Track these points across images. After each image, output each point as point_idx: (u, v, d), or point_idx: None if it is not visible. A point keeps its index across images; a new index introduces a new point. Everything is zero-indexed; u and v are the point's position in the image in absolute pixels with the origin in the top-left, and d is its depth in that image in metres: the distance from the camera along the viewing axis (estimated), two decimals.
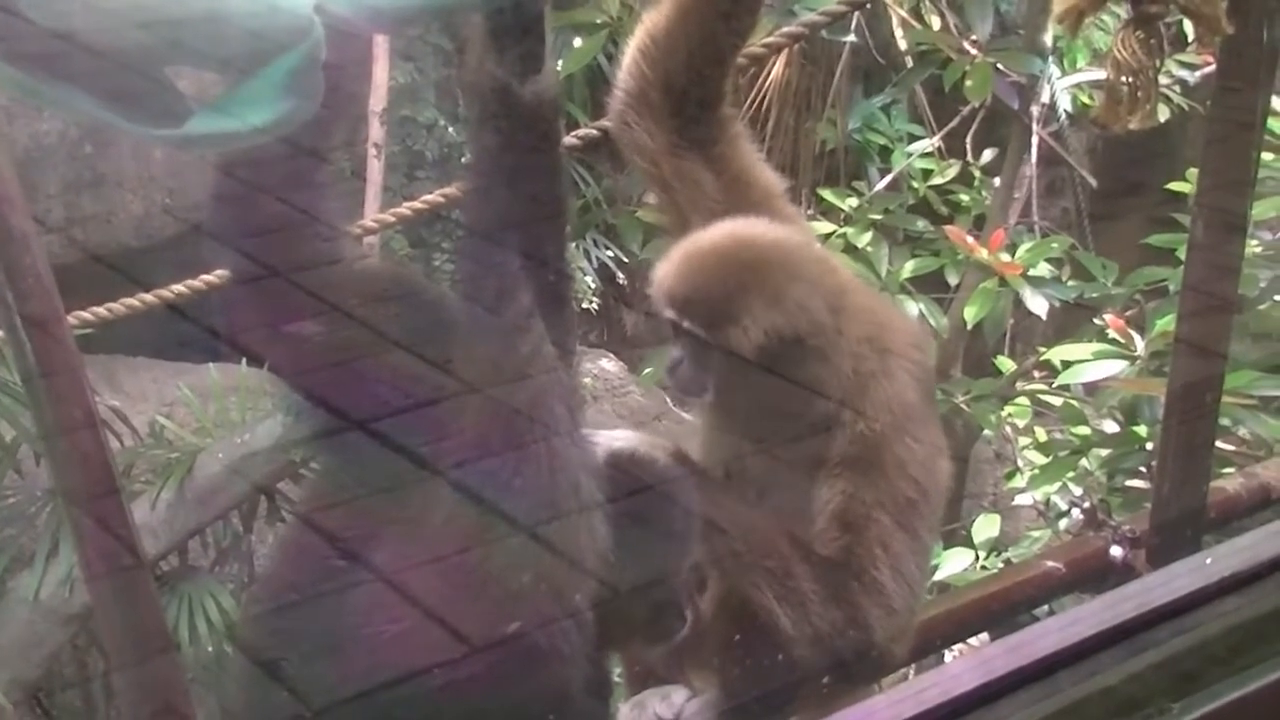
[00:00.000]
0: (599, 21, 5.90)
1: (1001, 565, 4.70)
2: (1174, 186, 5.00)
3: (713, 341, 2.10)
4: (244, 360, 5.20)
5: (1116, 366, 4.42)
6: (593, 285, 7.26)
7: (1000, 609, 2.87)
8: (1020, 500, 5.33)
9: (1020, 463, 5.27)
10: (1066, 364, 4.64)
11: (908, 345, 2.23)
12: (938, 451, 2.23)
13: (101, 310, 3.24)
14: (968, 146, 6.34)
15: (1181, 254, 3.27)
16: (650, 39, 2.26)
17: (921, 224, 5.89)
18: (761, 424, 2.24)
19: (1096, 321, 4.91)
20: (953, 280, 5.58)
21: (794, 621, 2.09)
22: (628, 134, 2.29)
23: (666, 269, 2.17)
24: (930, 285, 5.65)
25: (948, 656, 3.17)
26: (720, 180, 2.26)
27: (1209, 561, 1.24)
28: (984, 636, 3.06)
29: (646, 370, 5.57)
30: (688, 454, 2.20)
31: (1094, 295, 5.19)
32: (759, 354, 2.07)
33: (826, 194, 5.92)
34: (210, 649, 5.49)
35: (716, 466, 2.27)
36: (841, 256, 5.35)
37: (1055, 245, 5.45)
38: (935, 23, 6.03)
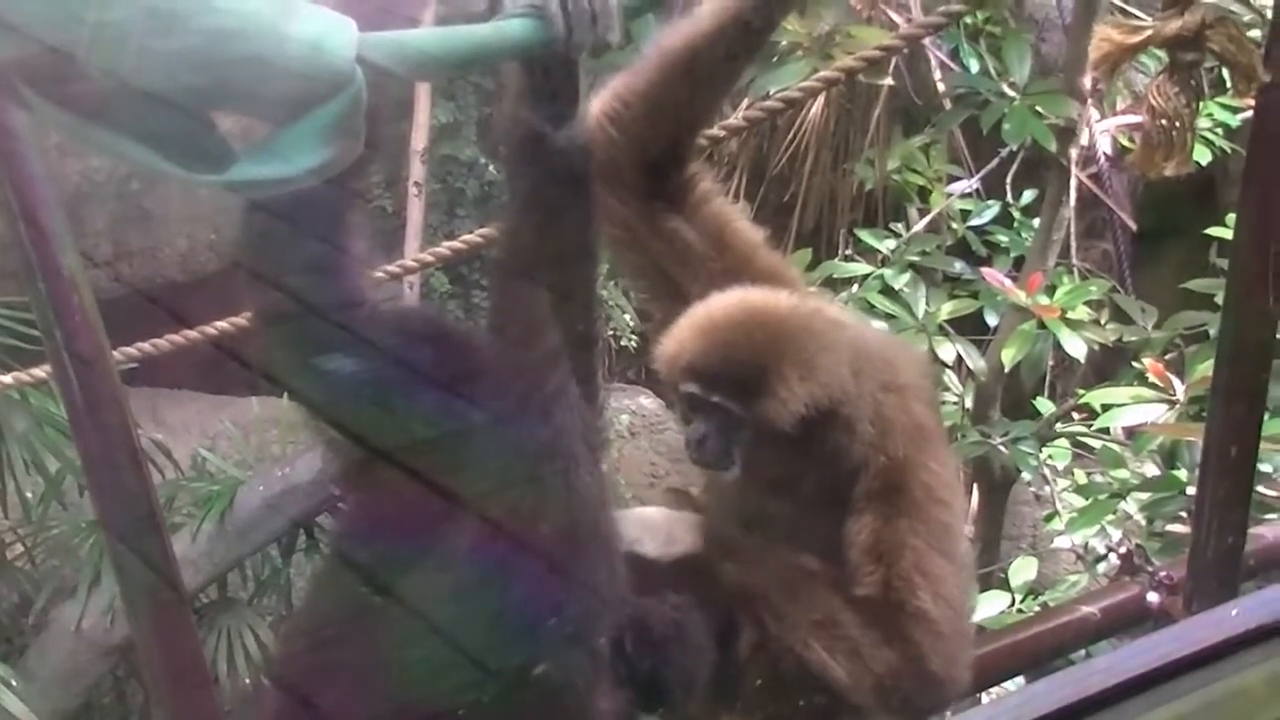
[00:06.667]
0: None
1: (1038, 609, 4.66)
2: (1213, 231, 4.97)
3: (746, 415, 2.07)
4: (285, 394, 5.25)
5: (1155, 411, 4.40)
6: (631, 323, 7.27)
7: (1035, 654, 2.85)
8: (1059, 543, 5.28)
9: (1059, 505, 5.23)
10: (1106, 407, 4.62)
11: (915, 375, 2.23)
12: (954, 473, 2.21)
13: (147, 346, 3.30)
14: (1008, 187, 6.32)
15: (1220, 299, 3.25)
16: (622, 104, 2.21)
17: (959, 265, 5.88)
18: (787, 484, 2.20)
19: (1136, 365, 4.89)
20: (992, 321, 5.56)
21: (850, 672, 2.05)
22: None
23: (682, 341, 2.12)
24: (968, 327, 5.63)
25: (984, 699, 3.15)
26: (704, 234, 2.24)
27: (1234, 613, 1.23)
28: (1019, 680, 3.04)
29: None
30: (704, 517, 2.18)
31: (1133, 339, 5.16)
32: (795, 425, 2.05)
33: (864, 235, 5.92)
34: (248, 680, 5.53)
35: (732, 519, 2.25)
36: (878, 298, 5.36)
37: (1094, 288, 5.42)
38: (974, 65, 6.04)
